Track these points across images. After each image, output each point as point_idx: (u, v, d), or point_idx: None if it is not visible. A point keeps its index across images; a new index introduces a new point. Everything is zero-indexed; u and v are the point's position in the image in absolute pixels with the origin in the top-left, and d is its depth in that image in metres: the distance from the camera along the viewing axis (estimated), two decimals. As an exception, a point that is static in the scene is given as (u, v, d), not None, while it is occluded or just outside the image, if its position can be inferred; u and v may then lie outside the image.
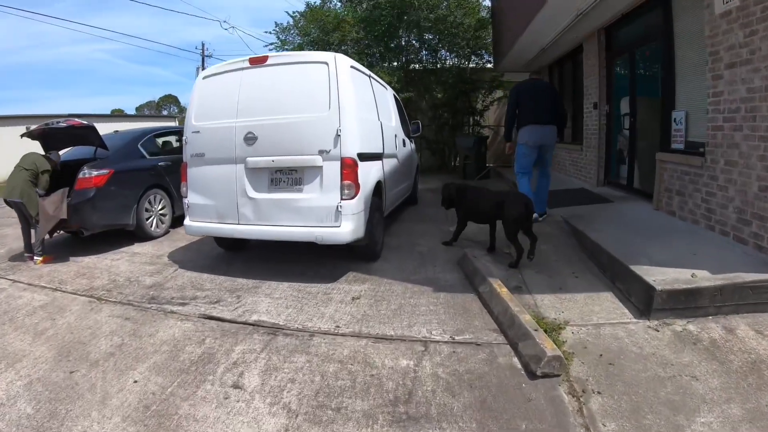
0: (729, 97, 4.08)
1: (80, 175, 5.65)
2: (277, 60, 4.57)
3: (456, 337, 3.15)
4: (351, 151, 4.24)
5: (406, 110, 8.60)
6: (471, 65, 13.95)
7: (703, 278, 3.25)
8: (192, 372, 2.85)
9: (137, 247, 5.98)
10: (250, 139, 4.39)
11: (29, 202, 5.38)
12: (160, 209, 6.63)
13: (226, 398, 2.56)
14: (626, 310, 3.35)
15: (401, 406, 2.43)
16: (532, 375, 2.64)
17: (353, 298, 3.92)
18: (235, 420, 2.38)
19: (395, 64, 13.63)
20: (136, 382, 2.76)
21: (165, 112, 46.82)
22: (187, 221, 4.86)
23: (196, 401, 2.55)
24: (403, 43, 13.71)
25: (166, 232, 6.68)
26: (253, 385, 2.68)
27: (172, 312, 3.81)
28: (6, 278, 4.91)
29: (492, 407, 2.40)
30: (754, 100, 3.76)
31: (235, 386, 2.68)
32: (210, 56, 30.67)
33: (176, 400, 2.56)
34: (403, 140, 6.93)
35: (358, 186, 4.26)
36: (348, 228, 4.21)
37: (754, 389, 2.38)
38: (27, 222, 5.50)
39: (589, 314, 3.33)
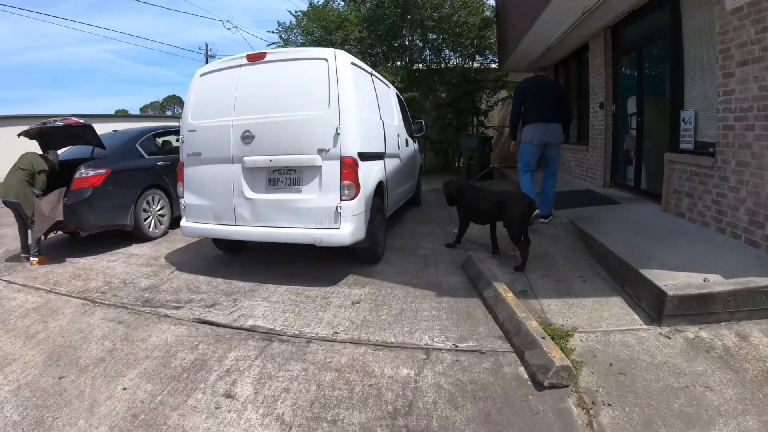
0: (740, 95, 3.98)
1: (77, 175, 5.57)
2: (275, 56, 4.46)
3: (459, 345, 3.03)
4: (351, 150, 4.12)
5: (410, 110, 8.51)
6: (475, 65, 13.88)
7: (716, 283, 3.14)
8: (183, 379, 2.75)
9: (135, 248, 5.90)
10: (247, 137, 4.28)
11: (25, 202, 5.32)
12: (159, 210, 6.54)
13: (217, 408, 2.45)
14: (636, 316, 3.23)
15: (401, 419, 2.31)
16: (539, 386, 2.51)
17: (353, 303, 3.80)
18: (226, 432, 2.27)
19: (398, 63, 13.58)
20: (125, 389, 2.67)
21: (169, 113, 46.91)
22: (183, 222, 4.76)
23: (186, 411, 2.44)
24: (407, 43, 13.65)
25: (165, 233, 6.59)
26: (246, 395, 2.57)
27: (166, 316, 3.71)
28: (1, 279, 4.84)
29: (497, 421, 2.28)
30: (767, 98, 3.65)
31: (227, 395, 2.57)
32: (213, 56, 30.62)
33: (165, 409, 2.46)
34: (406, 140, 6.81)
35: (358, 186, 4.14)
36: (348, 230, 4.09)
37: (770, 400, 2.27)
38: (24, 222, 5.45)
39: (598, 320, 3.21)
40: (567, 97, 6.04)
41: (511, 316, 3.15)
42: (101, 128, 6.09)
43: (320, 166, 4.12)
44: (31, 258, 5.37)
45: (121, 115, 31.04)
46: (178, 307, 3.86)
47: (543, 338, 2.76)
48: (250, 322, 3.50)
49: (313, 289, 4.14)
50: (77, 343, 3.28)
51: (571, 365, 2.54)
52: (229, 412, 2.42)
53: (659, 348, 2.81)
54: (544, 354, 2.61)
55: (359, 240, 4.23)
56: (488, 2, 13.77)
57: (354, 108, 4.23)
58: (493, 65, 13.53)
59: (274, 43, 15.85)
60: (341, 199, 4.08)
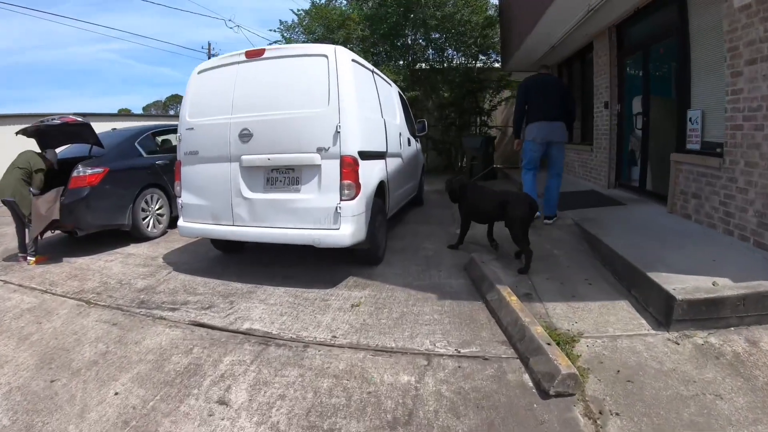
0: (749, 95, 3.90)
1: (74, 174, 5.51)
2: (274, 53, 4.37)
3: (462, 350, 2.93)
4: (351, 149, 4.03)
5: (412, 110, 8.43)
6: (478, 64, 13.81)
7: (725, 287, 3.05)
8: (176, 384, 2.67)
9: (132, 248, 5.83)
10: (245, 136, 4.20)
11: (22, 201, 5.28)
12: (157, 209, 6.48)
13: (211, 415, 2.37)
14: (643, 321, 3.14)
15: (400, 429, 2.22)
16: (544, 394, 2.42)
17: (352, 305, 3.71)
18: (219, 440, 2.19)
19: (401, 62, 13.53)
20: (117, 394, 2.59)
21: (172, 112, 46.89)
22: (180, 222, 4.68)
23: (178, 418, 2.36)
24: (409, 42, 13.60)
25: (164, 233, 6.53)
26: (240, 401, 2.48)
27: (161, 318, 3.63)
28: (-3, 279, 4.78)
29: (500, 431, 2.19)
30: (777, 98, 3.57)
31: (221, 402, 2.48)
32: (216, 56, 30.61)
33: (157, 415, 2.38)
34: (408, 139, 6.73)
35: (358, 186, 4.05)
36: (348, 231, 4.00)
37: (781, 409, 2.18)
38: (21, 221, 5.40)
39: (605, 325, 3.12)
40: (571, 95, 5.95)
41: (516, 320, 3.06)
42: (104, 127, 6.03)
43: (319, 165, 4.03)
44: (29, 257, 5.33)
45: (124, 114, 31.05)
46: (173, 309, 3.78)
47: (548, 344, 2.67)
48: (246, 326, 3.42)
49: (312, 291, 4.06)
50: (70, 346, 3.22)
51: (577, 373, 2.45)
52: (222, 419, 2.34)
53: (668, 354, 2.72)
54: (550, 361, 2.52)
55: (359, 241, 4.14)
56: (491, 1, 13.74)
57: (354, 106, 4.14)
58: (497, 65, 13.47)
59: (276, 42, 15.83)
60: (341, 199, 3.99)
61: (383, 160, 4.95)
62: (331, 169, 4.01)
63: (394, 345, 3.04)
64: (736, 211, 4.10)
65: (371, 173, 4.43)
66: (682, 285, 3.08)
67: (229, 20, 55.22)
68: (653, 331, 2.99)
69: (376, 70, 5.61)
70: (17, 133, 5.85)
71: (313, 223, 4.05)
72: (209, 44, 30.15)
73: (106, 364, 2.93)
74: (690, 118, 5.01)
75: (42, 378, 2.80)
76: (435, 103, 13.66)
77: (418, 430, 2.22)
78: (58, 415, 2.43)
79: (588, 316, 3.26)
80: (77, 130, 5.80)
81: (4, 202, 5.33)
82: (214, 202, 4.40)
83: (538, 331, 2.83)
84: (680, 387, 2.41)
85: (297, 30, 14.29)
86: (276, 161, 4.16)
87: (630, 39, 7.06)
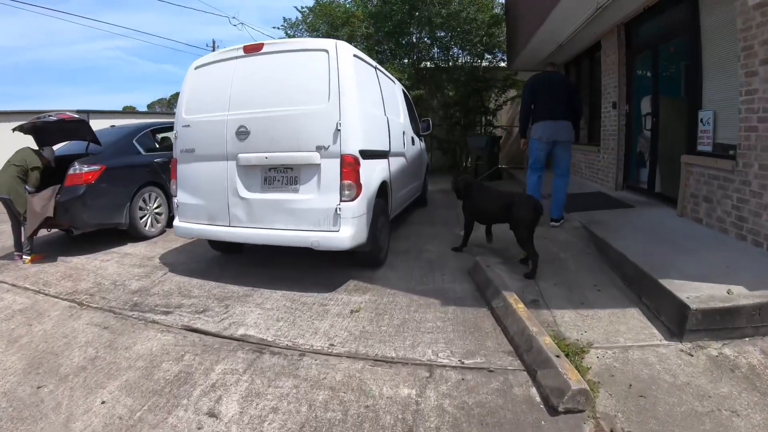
0: (764, 95, 3.78)
1: (70, 171, 5.42)
2: (273, 48, 4.24)
3: (465, 361, 2.80)
4: (352, 147, 3.89)
5: (417, 109, 8.30)
6: (484, 63, 13.68)
7: (740, 295, 2.92)
8: (165, 394, 2.55)
9: (129, 248, 5.73)
10: (242, 133, 4.07)
11: (17, 198, 5.20)
12: (156, 208, 6.37)
13: (199, 428, 2.25)
14: (655, 330, 3.01)
15: (399, 447, 2.10)
16: (552, 410, 2.28)
17: (352, 311, 3.58)
18: (207, 456, 2.07)
19: (406, 61, 13.41)
20: (104, 402, 2.49)
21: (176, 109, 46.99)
22: (176, 222, 4.57)
23: (166, 430, 2.24)
24: (414, 40, 13.47)
25: (162, 232, 6.43)
26: (231, 414, 2.36)
27: (153, 322, 3.51)
28: (-8, 278, 4.69)
29: (506, 451, 2.07)
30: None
31: (210, 414, 2.36)
32: (220, 53, 30.54)
33: (144, 427, 2.27)
34: (412, 138, 6.60)
35: (359, 186, 3.92)
36: (348, 233, 3.86)
37: (800, 427, 2.05)
38: (17, 220, 5.32)
39: (615, 334, 2.99)
40: (578, 94, 5.82)
41: (522, 330, 2.92)
42: (108, 124, 5.94)
43: (319, 165, 3.90)
44: (24, 256, 5.26)
45: (129, 111, 31.02)
46: (167, 313, 3.66)
47: (557, 357, 2.53)
48: (240, 331, 3.29)
49: (311, 295, 3.93)
50: (60, 350, 3.12)
51: (588, 388, 2.31)
52: (211, 433, 2.22)
53: (681, 367, 2.60)
54: (559, 375, 2.38)
55: (360, 243, 4.00)
56: (498, -1, 13.60)
57: (356, 103, 4.00)
58: (502, 64, 13.32)
59: (279, 39, 15.75)
60: (341, 200, 3.86)
61: (386, 160, 4.82)
62: (331, 169, 3.87)
63: (394, 355, 2.91)
64: (750, 215, 3.97)
65: (373, 173, 4.30)
66: (695, 293, 2.95)
67: (234, 18, 55.22)
68: (666, 342, 2.86)
69: (379, 66, 5.47)
70: (14, 130, 5.77)
71: (312, 224, 3.92)
72: (214, 42, 30.05)
73: (94, 370, 2.83)
74: (701, 119, 4.89)
75: (29, 383, 2.71)
76: (440, 102, 13.53)
77: (418, 448, 2.09)
78: (42, 423, 2.33)
79: (598, 324, 3.13)
80: (74, 127, 5.70)
81: (0, 200, 5.24)
82: (211, 201, 4.28)
83: (546, 341, 2.69)
84: (695, 402, 2.29)
85: (301, 27, 14.23)
86: (274, 160, 4.02)
87: (639, 37, 6.93)
